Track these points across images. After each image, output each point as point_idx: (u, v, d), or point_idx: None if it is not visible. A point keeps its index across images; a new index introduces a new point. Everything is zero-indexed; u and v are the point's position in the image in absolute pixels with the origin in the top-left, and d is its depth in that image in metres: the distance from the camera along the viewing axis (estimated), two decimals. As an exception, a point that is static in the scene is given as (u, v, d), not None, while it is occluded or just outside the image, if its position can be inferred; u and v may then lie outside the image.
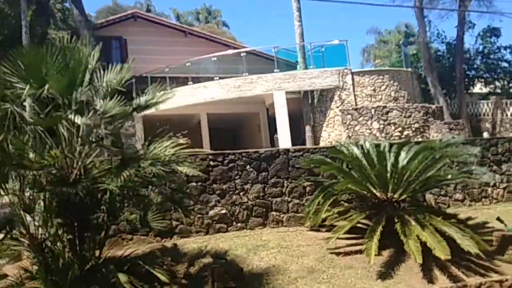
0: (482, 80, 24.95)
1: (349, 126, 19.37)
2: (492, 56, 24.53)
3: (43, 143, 6.68)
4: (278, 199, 10.47)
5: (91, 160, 6.90)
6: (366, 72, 20.33)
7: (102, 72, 7.30)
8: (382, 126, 18.97)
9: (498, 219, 9.47)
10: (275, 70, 20.79)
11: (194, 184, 9.96)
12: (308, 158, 10.48)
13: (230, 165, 10.26)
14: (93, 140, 6.80)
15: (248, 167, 10.35)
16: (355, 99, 20.04)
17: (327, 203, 9.55)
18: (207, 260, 8.75)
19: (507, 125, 19.81)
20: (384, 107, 19.21)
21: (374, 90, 20.20)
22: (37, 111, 6.89)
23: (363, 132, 19.15)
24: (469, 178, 9.44)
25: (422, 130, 19.30)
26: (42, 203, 6.76)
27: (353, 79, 20.07)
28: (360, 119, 19.26)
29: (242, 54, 21.88)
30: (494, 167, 12.16)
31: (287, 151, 10.68)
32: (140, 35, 28.89)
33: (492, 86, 25.56)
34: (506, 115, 20.06)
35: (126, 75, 7.34)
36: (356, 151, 10.08)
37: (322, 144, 19.54)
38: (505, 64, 25.02)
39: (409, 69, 21.50)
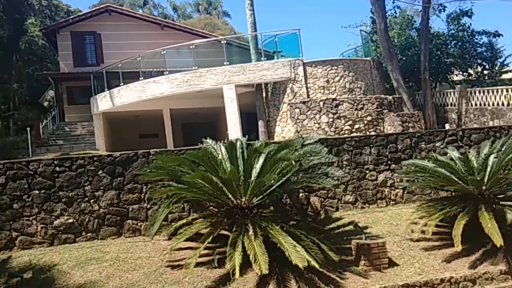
0: (458, 67, 23.06)
1: (298, 121, 18.28)
2: (466, 40, 22.57)
3: None
4: (135, 206, 9.61)
5: None
6: (319, 62, 19.01)
7: None
8: (331, 120, 17.79)
9: (355, 225, 8.47)
10: (224, 63, 19.74)
11: (36, 192, 9.24)
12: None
13: (79, 170, 9.44)
14: None
15: (100, 172, 9.52)
16: (307, 92, 18.87)
17: (166, 211, 8.68)
18: (30, 275, 8.09)
19: (471, 115, 18.22)
20: (334, 99, 17.98)
21: (328, 81, 18.96)
22: None
23: (312, 127, 18.04)
24: (311, 182, 8.33)
25: (375, 123, 18.01)
26: None
27: (305, 70, 18.88)
28: (309, 112, 18.12)
29: (191, 47, 20.95)
30: (393, 166, 10.86)
31: (147, 153, 9.78)
32: (115, 29, 28.29)
33: (466, 73, 23.63)
34: (471, 104, 18.46)
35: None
36: (223, 151, 9.28)
37: (276, 140, 18.52)
38: (480, 49, 23.04)
39: (368, 58, 20.11)
